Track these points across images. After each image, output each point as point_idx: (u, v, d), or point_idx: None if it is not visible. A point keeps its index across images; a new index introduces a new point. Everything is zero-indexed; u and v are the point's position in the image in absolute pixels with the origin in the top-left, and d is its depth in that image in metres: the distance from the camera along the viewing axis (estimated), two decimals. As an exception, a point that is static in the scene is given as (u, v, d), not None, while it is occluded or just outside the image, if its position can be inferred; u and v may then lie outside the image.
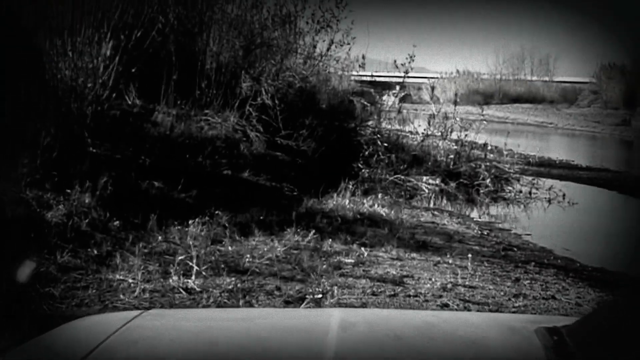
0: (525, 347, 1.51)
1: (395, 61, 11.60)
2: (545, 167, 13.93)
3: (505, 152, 12.41)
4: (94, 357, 1.47)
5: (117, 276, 4.81)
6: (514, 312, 4.81)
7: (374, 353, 1.50)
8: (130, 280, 4.75)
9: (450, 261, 6.07)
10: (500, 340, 1.57)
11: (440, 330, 1.66)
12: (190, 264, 5.03)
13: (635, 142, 23.91)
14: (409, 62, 11.19)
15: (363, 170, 9.59)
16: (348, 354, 1.47)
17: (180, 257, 5.11)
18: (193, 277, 4.88)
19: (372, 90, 12.67)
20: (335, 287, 4.98)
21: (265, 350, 1.52)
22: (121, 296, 4.53)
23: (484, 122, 11.84)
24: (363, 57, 11.31)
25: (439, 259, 6.16)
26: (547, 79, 40.82)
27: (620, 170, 14.84)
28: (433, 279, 5.44)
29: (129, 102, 7.75)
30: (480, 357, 1.47)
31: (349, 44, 10.55)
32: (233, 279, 5.00)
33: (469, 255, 6.16)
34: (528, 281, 5.78)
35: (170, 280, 4.82)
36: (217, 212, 6.28)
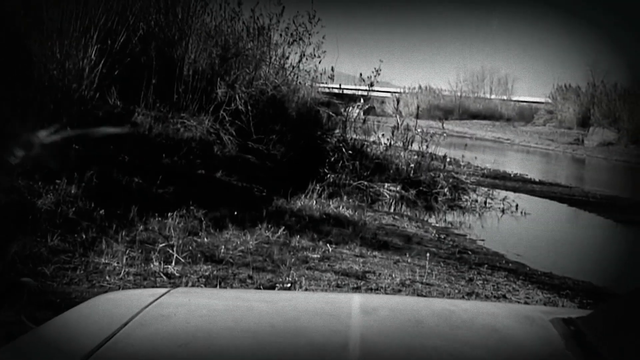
0: (544, 336, 1.52)
1: (361, 74, 12.07)
2: (500, 180, 14.30)
3: (462, 164, 12.87)
4: (127, 330, 1.50)
5: (103, 260, 5.12)
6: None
7: (398, 336, 1.52)
8: (115, 264, 5.06)
9: (409, 260, 6.40)
10: (519, 329, 1.58)
11: (460, 318, 1.68)
12: (170, 251, 5.39)
13: (587, 159, 24.72)
14: (375, 76, 11.66)
15: (329, 175, 9.90)
16: (373, 336, 1.50)
17: (161, 245, 5.50)
18: (173, 264, 5.25)
19: (338, 101, 13.02)
20: (303, 278, 5.31)
21: (293, 330, 1.55)
22: (107, 277, 4.82)
23: (444, 134, 12.31)
24: (332, 70, 11.69)
25: (398, 257, 6.50)
26: (505, 97, 41.57)
27: (571, 185, 15.32)
28: (393, 275, 5.75)
29: (111, 103, 8.07)
30: (501, 344, 1.48)
31: (319, 56, 10.98)
32: (209, 266, 5.34)
33: (427, 255, 6.51)
34: (481, 281, 6.12)
35: (152, 266, 5.14)
36: (192, 207, 6.66)
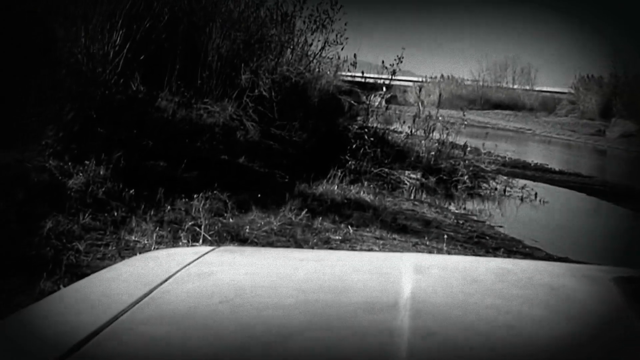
0: (606, 294, 1.48)
1: (383, 62, 12.16)
2: (520, 169, 14.37)
3: (483, 152, 12.93)
4: (166, 287, 1.47)
5: (133, 237, 5.33)
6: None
7: (452, 294, 1.46)
8: (145, 242, 5.28)
9: (427, 243, 6.53)
10: (580, 288, 1.54)
11: (517, 276, 1.62)
12: (198, 229, 5.61)
13: (608, 151, 24.66)
14: (398, 64, 11.74)
15: (350, 162, 10.00)
16: (425, 294, 1.44)
17: (189, 224, 5.70)
18: (200, 242, 5.45)
19: (359, 90, 13.11)
20: (325, 258, 5.55)
21: (341, 288, 1.50)
22: (138, 254, 5.08)
23: (465, 122, 12.37)
24: (355, 56, 11.78)
25: (417, 240, 6.63)
26: (527, 87, 41.40)
27: (591, 175, 15.38)
28: (412, 257, 6.01)
29: (134, 88, 8.23)
30: (562, 302, 1.43)
31: (341, 43, 11.09)
32: (235, 245, 5.55)
33: (445, 239, 6.65)
34: (497, 264, 6.36)
35: (180, 243, 5.35)
36: (216, 191, 6.82)
